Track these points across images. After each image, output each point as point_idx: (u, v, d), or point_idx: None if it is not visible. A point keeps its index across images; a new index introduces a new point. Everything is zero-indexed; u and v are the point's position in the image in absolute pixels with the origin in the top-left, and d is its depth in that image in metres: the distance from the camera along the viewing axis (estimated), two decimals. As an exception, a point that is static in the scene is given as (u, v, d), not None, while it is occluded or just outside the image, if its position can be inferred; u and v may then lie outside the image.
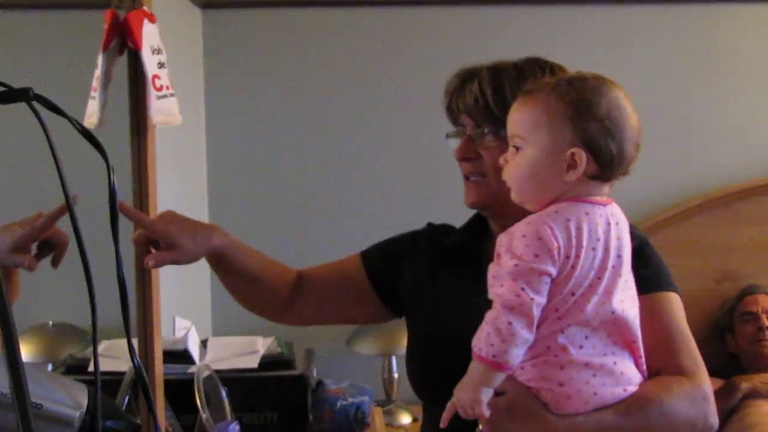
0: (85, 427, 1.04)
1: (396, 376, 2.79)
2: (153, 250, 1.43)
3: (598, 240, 1.21)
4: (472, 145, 1.45)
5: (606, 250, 1.22)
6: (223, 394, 1.85)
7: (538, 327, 1.19)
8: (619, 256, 1.23)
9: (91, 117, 1.38)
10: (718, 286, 2.99)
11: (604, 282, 1.22)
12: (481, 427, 1.26)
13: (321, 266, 1.68)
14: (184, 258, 1.43)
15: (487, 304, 1.21)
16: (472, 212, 1.58)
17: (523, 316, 1.17)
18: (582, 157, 1.21)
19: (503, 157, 1.30)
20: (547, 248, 1.18)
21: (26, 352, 2.28)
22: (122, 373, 1.70)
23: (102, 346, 2.04)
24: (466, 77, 1.47)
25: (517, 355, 1.19)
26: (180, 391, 1.73)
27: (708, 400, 1.32)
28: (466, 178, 1.48)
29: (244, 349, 2.19)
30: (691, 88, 3.07)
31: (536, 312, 1.17)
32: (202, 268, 1.58)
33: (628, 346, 1.26)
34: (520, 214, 1.26)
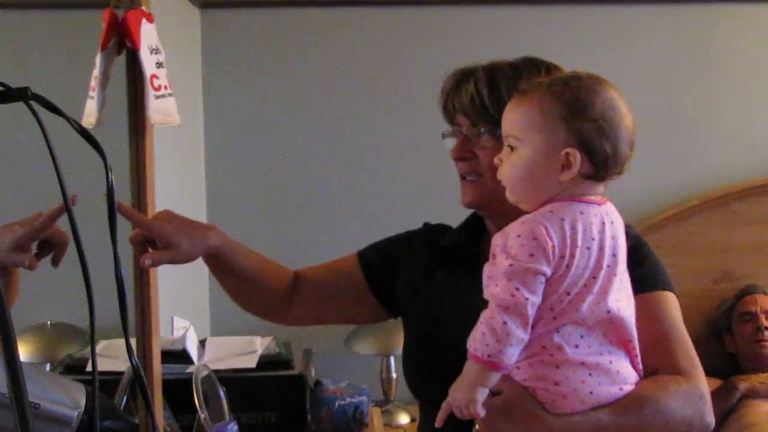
0: (83, 426, 1.04)
1: (394, 376, 2.79)
2: (150, 250, 1.43)
3: (593, 239, 1.22)
4: (468, 145, 1.45)
5: (601, 249, 1.22)
6: (222, 394, 1.85)
7: (533, 326, 1.20)
8: (614, 256, 1.24)
9: (89, 117, 1.38)
10: (717, 286, 3.00)
11: (600, 281, 1.22)
12: (477, 426, 1.27)
13: (318, 266, 1.68)
14: (181, 257, 1.43)
15: (484, 304, 1.21)
16: (470, 212, 1.58)
17: (518, 316, 1.17)
18: (576, 157, 1.22)
19: (498, 156, 1.30)
20: (541, 248, 1.18)
21: (24, 351, 2.28)
22: (120, 373, 1.70)
23: (100, 346, 2.04)
24: (462, 77, 1.47)
25: (512, 354, 1.19)
26: (178, 391, 1.72)
27: (704, 399, 1.32)
28: (463, 177, 1.48)
29: (243, 349, 2.19)
30: (690, 88, 3.08)
31: (531, 311, 1.18)
32: (200, 268, 1.58)
33: (624, 346, 1.26)
34: (516, 213, 1.26)
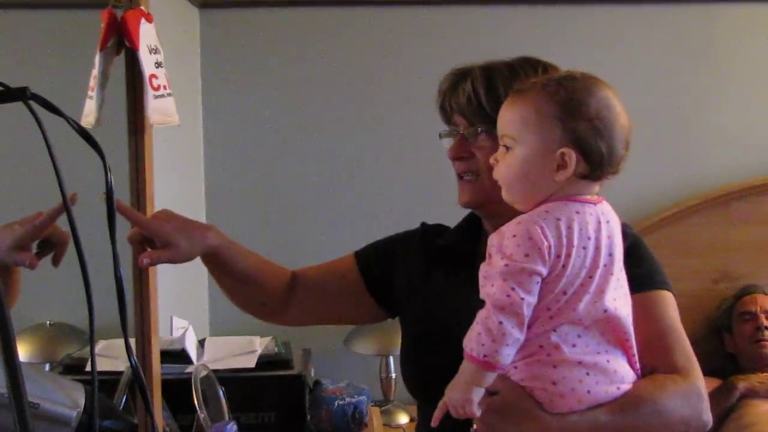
0: (82, 426, 1.04)
1: (393, 375, 2.79)
2: (149, 249, 1.43)
3: (589, 239, 1.22)
4: (465, 145, 1.46)
5: (597, 248, 1.22)
6: (221, 393, 1.85)
7: (530, 326, 1.20)
8: (610, 255, 1.24)
9: (88, 116, 1.38)
10: (716, 285, 3.00)
11: (596, 281, 1.22)
12: (475, 426, 1.27)
13: (315, 267, 1.68)
14: (179, 257, 1.43)
15: (481, 304, 1.21)
16: (469, 212, 1.58)
17: (514, 316, 1.17)
18: (572, 156, 1.22)
19: (494, 156, 1.30)
20: (537, 248, 1.18)
21: (24, 351, 2.28)
22: (120, 373, 1.70)
23: (99, 346, 2.04)
24: (459, 77, 1.47)
25: (508, 354, 1.19)
26: (177, 391, 1.72)
27: (702, 398, 1.32)
28: (460, 177, 1.48)
29: (242, 349, 2.19)
30: (689, 87, 3.08)
31: (527, 311, 1.18)
32: (199, 268, 1.58)
33: (621, 345, 1.26)
34: (513, 213, 1.26)
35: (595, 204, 1.25)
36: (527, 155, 1.24)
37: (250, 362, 2.10)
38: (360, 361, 2.81)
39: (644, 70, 3.02)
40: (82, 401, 1.05)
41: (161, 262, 1.42)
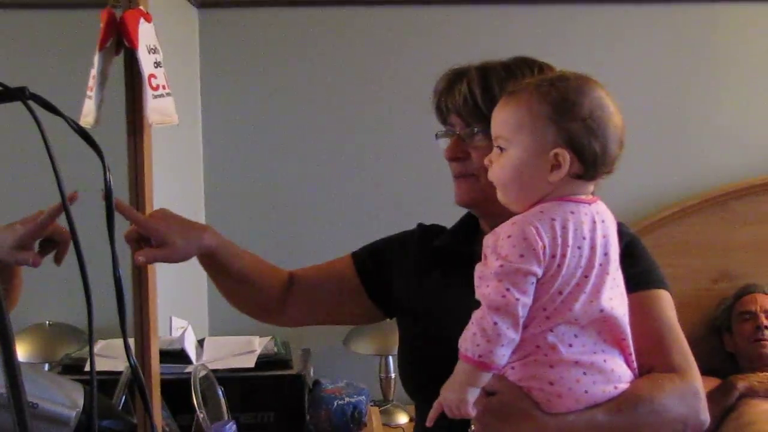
0: (81, 426, 1.04)
1: (393, 375, 2.79)
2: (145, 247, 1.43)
3: (584, 238, 1.22)
4: (461, 145, 1.46)
5: (592, 248, 1.22)
6: (220, 393, 1.85)
7: (526, 326, 1.20)
8: (606, 254, 1.24)
9: (87, 116, 1.38)
10: (716, 285, 3.00)
11: (592, 280, 1.22)
12: (473, 427, 1.27)
13: (312, 267, 1.68)
14: (175, 256, 1.43)
15: (478, 304, 1.21)
16: (466, 212, 1.58)
17: (509, 317, 1.17)
18: (566, 157, 1.22)
19: (488, 158, 1.30)
20: (532, 248, 1.18)
21: (23, 351, 2.27)
22: (119, 373, 1.70)
23: (98, 346, 2.04)
24: (455, 77, 1.47)
25: (503, 355, 1.19)
26: (177, 391, 1.72)
27: (699, 397, 1.32)
28: (456, 177, 1.48)
29: (241, 349, 2.19)
30: (689, 87, 3.08)
31: (522, 312, 1.18)
32: (198, 268, 1.58)
33: (618, 344, 1.26)
34: (510, 213, 1.26)
35: (589, 203, 1.25)
36: (521, 156, 1.24)
37: (250, 362, 2.11)
38: (359, 361, 2.81)
39: (644, 70, 3.02)
40: (81, 401, 1.05)
41: (156, 261, 1.42)
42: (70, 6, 2.34)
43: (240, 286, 1.60)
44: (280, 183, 3.00)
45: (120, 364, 1.74)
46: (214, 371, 1.90)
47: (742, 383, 2.63)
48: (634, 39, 3.05)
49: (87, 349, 1.84)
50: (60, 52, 2.28)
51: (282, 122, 3.00)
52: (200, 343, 2.24)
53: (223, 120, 2.98)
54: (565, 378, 1.21)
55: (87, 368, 1.92)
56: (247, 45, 3.00)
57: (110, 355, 1.94)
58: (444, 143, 1.49)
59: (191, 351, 2.08)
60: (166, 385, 1.52)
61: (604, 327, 1.24)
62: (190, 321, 2.25)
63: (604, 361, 1.24)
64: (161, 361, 1.50)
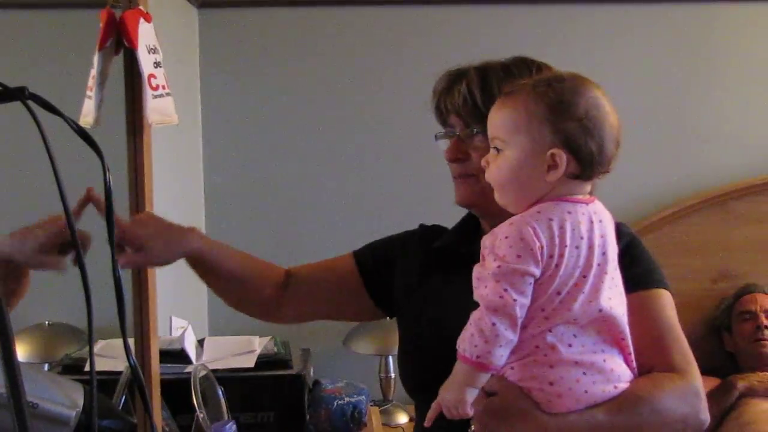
0: (81, 426, 1.04)
1: (393, 375, 2.79)
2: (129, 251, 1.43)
3: (582, 238, 1.22)
4: (461, 146, 1.46)
5: (590, 248, 1.22)
6: (220, 393, 1.85)
7: (525, 327, 1.20)
8: (604, 254, 1.24)
9: (87, 116, 1.38)
10: (716, 285, 2.99)
11: (590, 280, 1.22)
12: (473, 427, 1.27)
13: (311, 264, 1.68)
14: (154, 261, 1.43)
15: (478, 305, 1.21)
16: (467, 212, 1.58)
17: (507, 317, 1.17)
18: (562, 157, 1.22)
19: (485, 159, 1.30)
20: (529, 249, 1.18)
21: (23, 351, 2.28)
22: (119, 373, 1.70)
23: (98, 346, 2.04)
24: (454, 78, 1.47)
25: (500, 355, 1.19)
26: (176, 391, 1.72)
27: (699, 397, 1.32)
28: (456, 178, 1.48)
29: (241, 349, 2.19)
30: (689, 87, 3.07)
31: (520, 313, 1.18)
32: (198, 267, 1.58)
33: (618, 344, 1.26)
34: (510, 213, 1.26)
35: (587, 203, 1.25)
36: (518, 157, 1.24)
37: (249, 362, 2.11)
38: (359, 361, 2.81)
39: (644, 69, 3.01)
40: (80, 401, 1.05)
41: (136, 267, 1.42)
42: (70, 6, 2.34)
43: (232, 286, 1.60)
44: (280, 183, 3.00)
45: (120, 364, 1.74)
46: (214, 371, 1.90)
47: (741, 383, 2.63)
48: (633, 39, 3.05)
49: (87, 349, 1.83)
50: (60, 52, 2.28)
51: (282, 122, 3.00)
52: (200, 343, 2.24)
53: (223, 120, 2.98)
54: (564, 378, 1.21)
55: (87, 368, 1.92)
56: (247, 45, 3.00)
57: (110, 355, 1.94)
58: (444, 144, 1.49)
59: (191, 351, 2.08)
60: (166, 385, 1.52)
61: (604, 327, 1.24)
62: (190, 321, 2.25)
63: (604, 360, 1.24)
64: (161, 361, 1.51)
